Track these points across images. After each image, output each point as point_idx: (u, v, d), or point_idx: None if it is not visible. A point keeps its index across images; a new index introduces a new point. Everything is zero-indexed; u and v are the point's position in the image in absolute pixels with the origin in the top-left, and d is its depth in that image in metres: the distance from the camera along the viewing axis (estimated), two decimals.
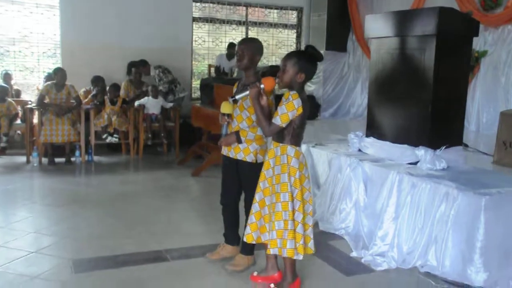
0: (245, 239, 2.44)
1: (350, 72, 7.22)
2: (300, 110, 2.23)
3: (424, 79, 3.27)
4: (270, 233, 2.28)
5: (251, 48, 2.55)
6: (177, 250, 2.97)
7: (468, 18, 3.41)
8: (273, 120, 2.25)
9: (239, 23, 7.53)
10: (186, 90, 6.70)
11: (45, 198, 4.14)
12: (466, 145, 3.89)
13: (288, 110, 2.21)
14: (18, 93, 6.23)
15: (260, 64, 2.77)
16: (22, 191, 4.33)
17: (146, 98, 5.89)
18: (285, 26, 7.89)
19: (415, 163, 3.23)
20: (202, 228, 3.44)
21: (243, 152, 2.58)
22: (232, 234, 2.83)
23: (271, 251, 2.30)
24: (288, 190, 2.26)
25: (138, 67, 6.18)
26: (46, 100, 5.34)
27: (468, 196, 2.60)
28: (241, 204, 2.74)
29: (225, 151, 2.69)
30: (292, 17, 7.94)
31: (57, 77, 5.29)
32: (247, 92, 2.31)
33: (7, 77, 6.07)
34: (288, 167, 2.27)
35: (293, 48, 7.91)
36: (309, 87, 6.96)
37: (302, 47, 7.59)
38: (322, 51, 4.87)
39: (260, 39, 2.72)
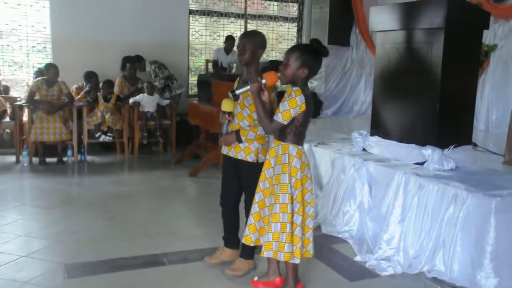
0: (243, 241, 2.44)
1: (353, 68, 7.21)
2: (303, 107, 2.21)
3: (431, 74, 3.26)
4: (267, 234, 2.28)
5: (253, 42, 2.54)
6: (174, 254, 2.97)
7: (479, 10, 3.39)
8: (275, 117, 2.24)
9: (237, 16, 7.51)
10: (183, 87, 6.68)
11: (35, 199, 4.13)
12: (475, 145, 3.88)
13: (291, 107, 2.20)
14: (6, 89, 6.20)
15: (260, 59, 2.77)
16: (12, 192, 4.32)
17: (141, 95, 5.87)
18: (285, 19, 7.87)
19: (422, 163, 3.22)
20: (200, 230, 3.43)
21: (243, 151, 2.58)
22: (232, 237, 2.83)
23: (265, 253, 2.30)
24: (288, 192, 2.25)
25: (133, 63, 6.16)
26: (37, 97, 5.32)
27: (478, 198, 2.59)
28: (241, 206, 2.74)
29: (225, 150, 2.68)
30: (293, 9, 7.92)
31: (49, 73, 5.27)
32: (248, 87, 2.30)
33: None
34: (289, 167, 2.26)
35: (293, 42, 7.89)
36: (311, 84, 6.94)
37: (304, 41, 7.70)
38: None
39: None
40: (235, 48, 6.51)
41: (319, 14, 7.31)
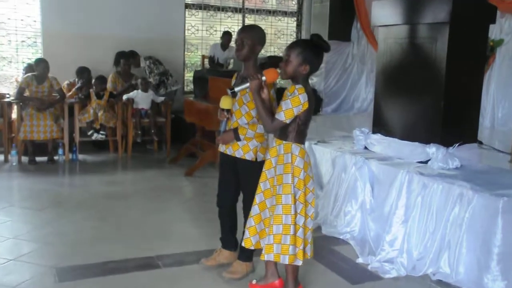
0: (243, 244, 2.42)
1: (354, 64, 7.20)
2: (306, 106, 2.21)
3: (435, 70, 3.26)
4: (267, 237, 2.27)
5: (251, 36, 2.53)
6: (169, 256, 2.96)
7: (485, 4, 3.39)
8: (276, 116, 2.23)
9: (235, 10, 7.48)
10: (178, 83, 6.67)
11: (25, 200, 4.10)
12: (480, 142, 3.88)
13: (294, 105, 2.19)
14: None
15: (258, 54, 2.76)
16: (0, 192, 4.28)
17: (135, 91, 5.84)
18: (284, 13, 7.86)
19: (426, 162, 3.21)
20: (197, 232, 3.42)
21: (242, 149, 2.56)
22: (230, 238, 2.82)
23: (266, 256, 2.29)
24: (291, 192, 2.24)
25: (127, 59, 6.14)
26: (26, 94, 5.29)
27: (484, 197, 2.58)
28: (239, 206, 2.72)
29: (222, 148, 2.68)
30: (292, 3, 7.90)
31: (39, 68, 5.25)
32: (247, 84, 2.29)
33: None
34: (292, 167, 2.26)
35: (293, 37, 7.88)
36: (311, 80, 6.90)
37: (303, 36, 7.69)
38: None
39: None
40: (232, 44, 6.52)
41: (319, 8, 7.30)
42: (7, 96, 5.68)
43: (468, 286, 2.58)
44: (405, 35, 3.50)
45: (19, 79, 5.71)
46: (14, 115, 5.48)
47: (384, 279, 2.77)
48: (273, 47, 7.86)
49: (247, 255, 2.69)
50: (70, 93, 5.85)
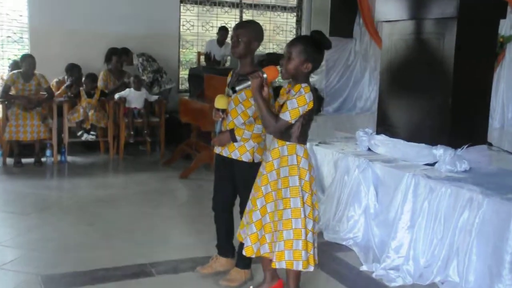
0: (244, 253, 2.39)
1: (356, 61, 7.21)
2: (311, 105, 2.22)
3: (443, 68, 3.26)
4: (277, 244, 2.26)
5: (247, 33, 2.54)
6: (163, 263, 2.94)
7: None
8: (281, 116, 2.22)
9: (232, 5, 7.48)
10: (173, 81, 6.66)
11: (9, 204, 4.07)
12: (490, 144, 3.87)
13: (300, 104, 2.19)
14: None
15: (256, 52, 2.75)
16: None
17: (127, 90, 5.82)
18: (284, 8, 7.86)
19: (433, 164, 3.20)
20: (192, 238, 3.40)
21: (238, 150, 2.56)
22: (226, 244, 2.80)
23: (277, 264, 2.27)
24: (299, 195, 2.24)
25: (119, 56, 6.13)
26: (12, 92, 5.26)
27: (495, 202, 2.57)
28: (236, 210, 2.71)
29: (218, 149, 2.68)
30: None
31: (24, 65, 5.23)
32: (249, 83, 2.27)
33: None
34: (298, 169, 2.25)
35: (292, 33, 7.88)
36: (311, 78, 6.90)
37: (303, 33, 7.68)
38: None
39: None
40: (228, 40, 6.49)
41: (320, 3, 7.30)
42: None
43: None
44: (410, 31, 3.51)
45: (5, 77, 5.68)
46: None
47: None
48: (272, 43, 7.86)
49: (246, 262, 2.67)
50: (59, 91, 5.82)
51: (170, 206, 4.17)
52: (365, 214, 3.29)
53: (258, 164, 2.44)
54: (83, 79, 5.74)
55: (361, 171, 3.32)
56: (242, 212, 2.59)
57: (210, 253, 2.88)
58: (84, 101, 5.60)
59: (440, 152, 3.16)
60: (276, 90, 2.48)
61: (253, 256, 2.41)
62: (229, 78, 2.72)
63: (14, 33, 6.37)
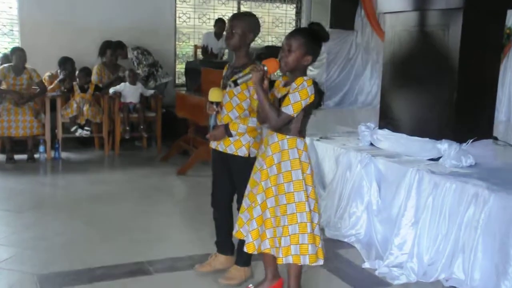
0: (245, 249, 2.39)
1: (358, 54, 7.19)
2: (313, 98, 2.23)
3: (448, 60, 3.26)
4: (282, 239, 2.27)
5: (242, 24, 2.54)
6: (161, 261, 2.94)
7: None
8: (284, 109, 2.22)
9: None
10: (169, 75, 6.64)
11: (2, 202, 4.07)
12: (495, 138, 3.88)
13: (302, 98, 2.20)
14: None
15: (254, 44, 2.75)
16: None
17: (122, 84, 5.82)
18: (283, 0, 7.82)
19: (437, 159, 3.21)
20: (190, 235, 3.41)
21: (234, 145, 2.56)
22: (226, 242, 2.80)
23: (284, 260, 2.28)
24: (303, 189, 2.26)
25: (114, 49, 6.11)
26: (3, 86, 5.23)
27: (502, 197, 2.57)
28: (235, 206, 2.71)
29: (213, 144, 2.68)
30: None
31: (14, 58, 5.22)
32: (250, 76, 2.27)
33: None
34: (300, 162, 2.27)
35: (292, 26, 7.86)
36: (311, 71, 6.91)
37: (303, 25, 7.66)
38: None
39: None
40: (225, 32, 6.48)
41: None
42: None
43: None
44: (414, 22, 3.50)
45: None
46: None
47: (393, 286, 2.76)
48: (271, 36, 7.84)
49: (245, 259, 2.68)
50: (52, 86, 5.81)
51: (168, 203, 4.18)
52: (367, 211, 3.29)
53: (254, 159, 2.45)
54: (77, 73, 5.72)
55: (363, 166, 3.32)
56: (239, 208, 2.59)
57: (209, 251, 2.89)
58: (77, 95, 5.58)
59: (444, 146, 3.17)
60: (270, 84, 2.47)
61: (255, 252, 2.40)
62: (224, 71, 2.72)
63: (4, 25, 6.33)
